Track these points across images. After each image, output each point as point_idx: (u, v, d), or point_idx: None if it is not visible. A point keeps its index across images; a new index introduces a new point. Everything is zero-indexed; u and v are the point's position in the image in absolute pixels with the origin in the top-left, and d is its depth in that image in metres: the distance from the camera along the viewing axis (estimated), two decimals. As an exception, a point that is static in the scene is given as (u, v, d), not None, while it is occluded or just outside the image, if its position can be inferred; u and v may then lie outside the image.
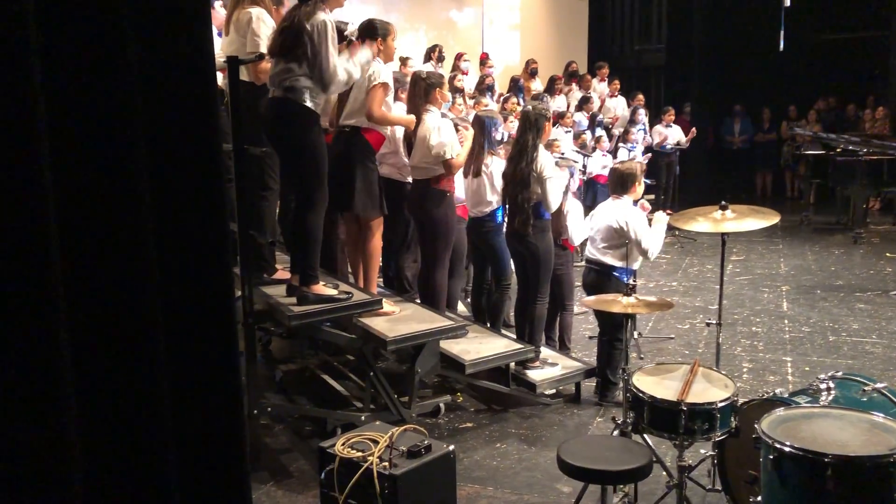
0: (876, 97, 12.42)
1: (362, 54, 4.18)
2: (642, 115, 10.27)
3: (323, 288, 4.03)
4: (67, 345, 1.53)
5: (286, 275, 4.46)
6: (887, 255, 8.96)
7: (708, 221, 3.65)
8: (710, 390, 3.14)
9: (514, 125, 7.34)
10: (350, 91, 4.39)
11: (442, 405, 4.67)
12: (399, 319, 4.41)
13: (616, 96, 11.13)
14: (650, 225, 4.71)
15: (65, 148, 1.53)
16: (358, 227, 4.56)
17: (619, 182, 4.79)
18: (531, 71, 10.29)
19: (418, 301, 4.90)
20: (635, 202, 4.88)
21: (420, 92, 4.77)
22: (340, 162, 4.30)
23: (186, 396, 1.76)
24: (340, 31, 4.39)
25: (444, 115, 5.02)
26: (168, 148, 1.71)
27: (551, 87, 10.01)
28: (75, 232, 1.56)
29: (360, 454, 3.04)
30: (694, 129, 10.96)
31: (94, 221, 1.59)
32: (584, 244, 5.15)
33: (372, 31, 4.36)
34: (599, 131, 9.57)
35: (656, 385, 3.21)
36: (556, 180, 4.79)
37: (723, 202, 3.59)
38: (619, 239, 4.63)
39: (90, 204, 1.58)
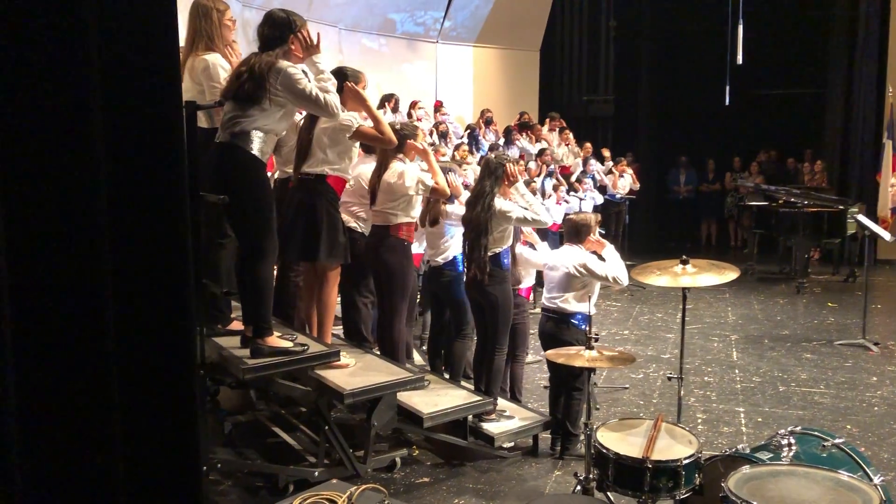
0: (813, 151, 12.89)
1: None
2: (593, 164, 10.44)
3: (278, 340, 3.90)
4: (14, 395, 1.47)
5: (241, 325, 4.32)
6: (829, 304, 9.19)
7: (668, 276, 3.67)
8: (675, 447, 3.12)
9: (467, 172, 7.40)
10: (311, 138, 4.31)
11: (398, 459, 4.55)
12: (356, 371, 4.30)
13: (568, 146, 11.32)
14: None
15: (18, 187, 1.49)
16: (315, 276, 4.45)
17: (574, 232, 4.83)
18: (486, 120, 10.43)
19: (376, 352, 4.80)
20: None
21: None
22: (303, 210, 4.20)
23: (141, 443, 1.71)
24: None
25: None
26: (130, 189, 1.66)
27: (508, 137, 10.14)
28: (26, 269, 1.51)
29: (317, 516, 2.93)
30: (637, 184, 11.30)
31: (48, 260, 1.54)
32: (539, 293, 5.13)
33: (342, 79, 4.31)
34: (552, 181, 9.68)
35: (620, 441, 3.18)
36: (517, 207, 4.74)
37: (684, 256, 3.63)
38: (579, 283, 4.66)
39: (44, 242, 1.54)
